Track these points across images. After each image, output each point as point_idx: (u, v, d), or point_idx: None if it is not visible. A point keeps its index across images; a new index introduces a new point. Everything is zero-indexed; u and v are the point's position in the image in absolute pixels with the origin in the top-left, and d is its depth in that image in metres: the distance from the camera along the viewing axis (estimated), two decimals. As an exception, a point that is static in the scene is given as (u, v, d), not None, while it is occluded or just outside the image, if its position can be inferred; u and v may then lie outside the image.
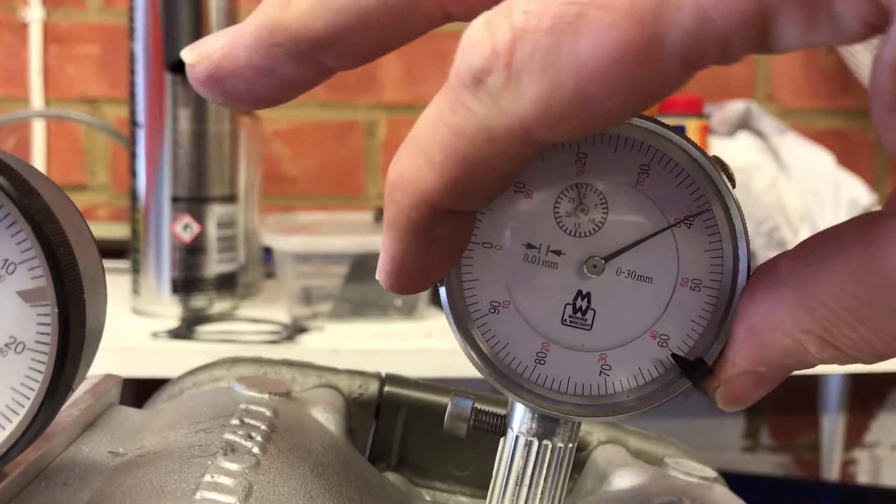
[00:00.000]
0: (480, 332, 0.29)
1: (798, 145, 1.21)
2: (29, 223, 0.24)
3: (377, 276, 0.25)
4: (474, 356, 0.28)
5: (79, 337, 0.25)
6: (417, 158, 0.22)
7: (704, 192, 0.28)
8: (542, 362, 0.29)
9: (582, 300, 0.29)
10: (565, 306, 0.29)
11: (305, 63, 0.25)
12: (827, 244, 0.24)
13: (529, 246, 0.28)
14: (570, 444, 0.31)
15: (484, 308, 0.28)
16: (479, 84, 0.20)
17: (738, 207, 0.28)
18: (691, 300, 0.28)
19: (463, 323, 0.28)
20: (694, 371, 0.28)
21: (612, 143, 0.28)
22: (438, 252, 0.24)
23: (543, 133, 0.21)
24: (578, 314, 0.29)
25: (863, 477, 1.48)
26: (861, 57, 1.28)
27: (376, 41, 0.24)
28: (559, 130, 0.21)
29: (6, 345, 0.26)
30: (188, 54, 0.25)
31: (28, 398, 0.25)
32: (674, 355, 0.28)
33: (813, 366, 0.25)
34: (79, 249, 0.26)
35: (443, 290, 0.28)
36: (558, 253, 0.28)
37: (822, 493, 1.38)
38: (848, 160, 1.27)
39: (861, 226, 0.23)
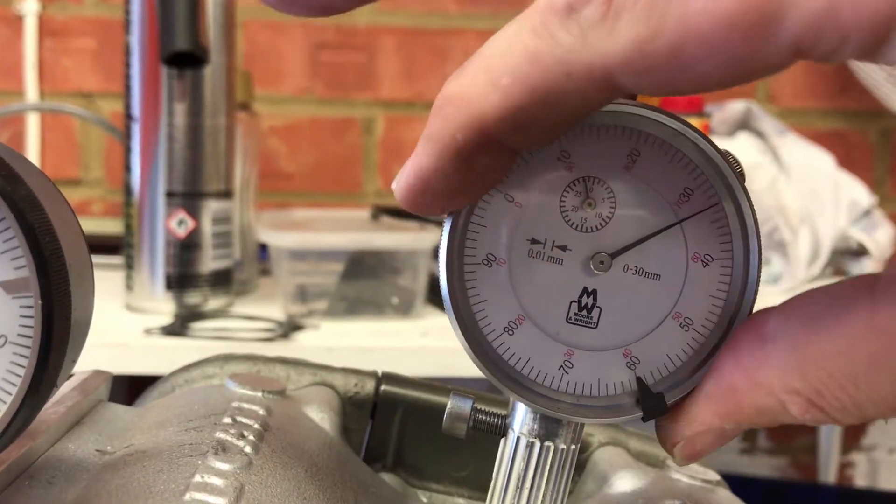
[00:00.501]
0: (474, 311, 0.27)
1: (798, 146, 1.21)
2: (12, 210, 0.23)
3: (393, 186, 0.24)
4: (476, 357, 0.27)
5: (63, 330, 0.24)
6: (481, 77, 0.21)
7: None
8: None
9: (588, 297, 0.28)
10: (570, 304, 0.28)
11: None
12: (822, 303, 0.23)
13: (534, 241, 0.27)
14: (573, 446, 0.30)
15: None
16: (572, 13, 0.19)
17: (750, 203, 0.27)
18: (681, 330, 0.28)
19: (463, 316, 0.27)
20: (649, 405, 0.27)
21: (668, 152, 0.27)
22: (469, 181, 0.23)
23: (626, 80, 0.19)
24: (584, 312, 0.28)
25: (860, 480, 1.48)
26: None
27: None
28: (643, 81, 0.19)
29: (-13, 338, 0.24)
30: None
31: (10, 394, 0.24)
32: (638, 380, 0.27)
33: (782, 424, 0.24)
34: (65, 239, 0.25)
35: (443, 271, 0.27)
36: (564, 248, 0.27)
37: (819, 495, 1.37)
38: (848, 161, 1.26)
39: (863, 286, 0.22)
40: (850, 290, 0.23)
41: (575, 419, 0.28)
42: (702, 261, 0.27)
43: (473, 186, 0.23)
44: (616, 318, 0.27)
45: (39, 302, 0.23)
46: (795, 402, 0.23)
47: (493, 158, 0.22)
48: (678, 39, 0.18)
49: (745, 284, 0.27)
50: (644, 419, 0.28)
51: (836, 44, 0.18)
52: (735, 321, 0.27)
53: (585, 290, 0.27)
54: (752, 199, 0.27)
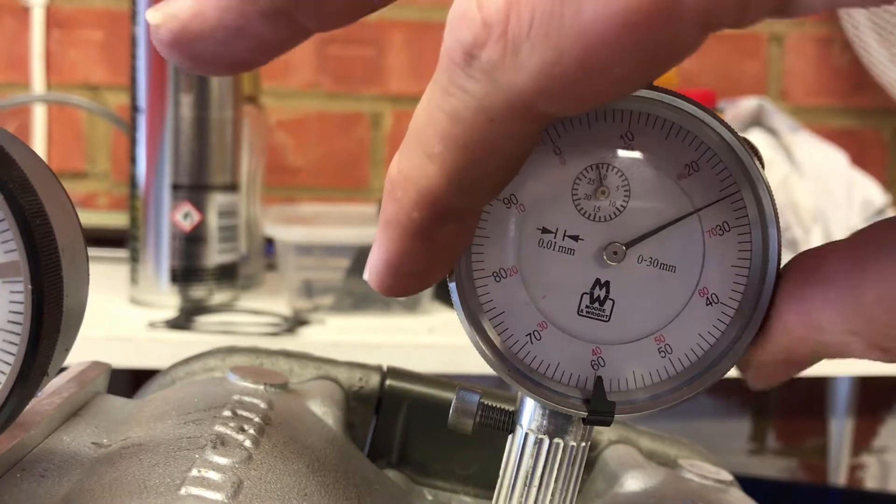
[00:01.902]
0: (493, 324, 0.27)
1: (811, 144, 1.19)
2: (2, 192, 0.22)
3: (365, 276, 0.23)
4: (485, 349, 0.26)
5: (55, 316, 0.23)
6: (416, 153, 0.20)
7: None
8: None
9: (600, 289, 0.26)
10: (582, 296, 0.27)
11: (281, 22, 0.23)
12: (880, 241, 0.23)
13: (545, 230, 0.26)
14: (584, 444, 0.29)
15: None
16: (472, 60, 0.19)
17: (770, 192, 0.26)
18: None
19: (475, 317, 0.26)
20: (597, 409, 0.27)
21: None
22: (438, 255, 0.23)
23: (546, 106, 0.19)
24: (596, 304, 0.27)
25: (871, 482, 1.46)
26: (877, 55, 1.25)
27: None
28: (563, 103, 0.19)
29: (-25, 324, 0.23)
30: (152, 15, 0.24)
31: (-1, 382, 0.23)
32: (597, 380, 0.27)
33: (848, 357, 0.24)
34: (58, 223, 0.24)
35: (452, 286, 0.26)
36: (576, 238, 0.26)
37: (827, 497, 1.36)
38: (861, 160, 1.24)
39: None
40: None
41: (561, 409, 0.27)
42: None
43: (441, 259, 0.23)
44: (633, 309, 0.26)
45: (30, 287, 0.22)
46: (857, 342, 0.23)
47: (454, 225, 0.22)
48: (582, 53, 0.18)
49: (767, 246, 0.26)
50: (584, 423, 0.28)
51: (740, 9, 0.18)
52: (764, 284, 0.26)
53: (598, 281, 0.26)
54: (771, 189, 0.26)
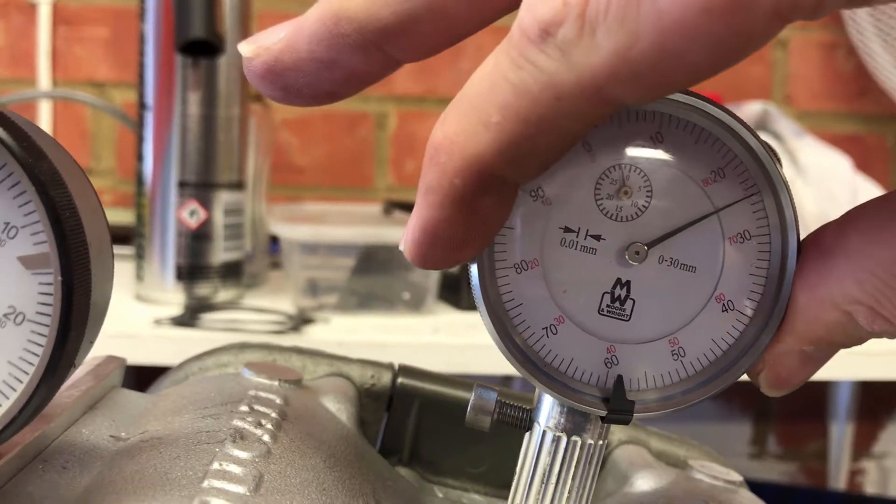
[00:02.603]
0: (510, 316, 0.27)
1: (815, 148, 1.19)
2: (34, 184, 0.22)
3: (401, 247, 0.23)
4: (503, 345, 0.27)
5: (83, 309, 0.24)
6: (470, 119, 0.20)
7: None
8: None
9: (621, 289, 0.27)
10: (603, 295, 0.27)
11: (372, 54, 0.23)
12: (878, 212, 0.24)
13: (567, 230, 0.26)
14: (601, 442, 0.29)
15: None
16: (548, 37, 0.19)
17: (791, 198, 0.26)
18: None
19: (494, 310, 0.26)
20: (617, 407, 0.27)
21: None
22: (477, 226, 0.22)
23: (617, 91, 0.19)
24: (617, 304, 0.27)
25: (870, 487, 1.46)
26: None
27: (445, 29, 0.23)
28: (635, 88, 0.19)
29: (5, 315, 0.24)
30: (246, 48, 0.24)
31: (27, 373, 0.24)
32: (618, 378, 0.27)
33: (863, 341, 0.25)
34: (86, 217, 0.24)
35: (474, 269, 0.26)
36: (598, 238, 0.26)
37: (827, 501, 1.36)
38: (865, 165, 1.25)
39: None
40: None
41: (577, 406, 0.27)
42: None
43: (480, 231, 0.23)
44: (652, 309, 0.27)
45: (59, 278, 0.23)
46: (860, 312, 0.24)
47: (495, 197, 0.22)
48: (659, 37, 0.18)
49: (786, 253, 0.26)
50: (603, 421, 0.28)
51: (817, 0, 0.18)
52: (781, 292, 0.26)
53: (619, 281, 0.27)
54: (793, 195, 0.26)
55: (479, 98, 0.20)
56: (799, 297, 0.25)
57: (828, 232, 0.25)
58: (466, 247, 0.23)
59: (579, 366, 0.27)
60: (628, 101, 0.20)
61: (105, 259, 0.26)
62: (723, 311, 0.27)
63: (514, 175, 0.21)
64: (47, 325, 0.23)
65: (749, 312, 0.27)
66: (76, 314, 0.23)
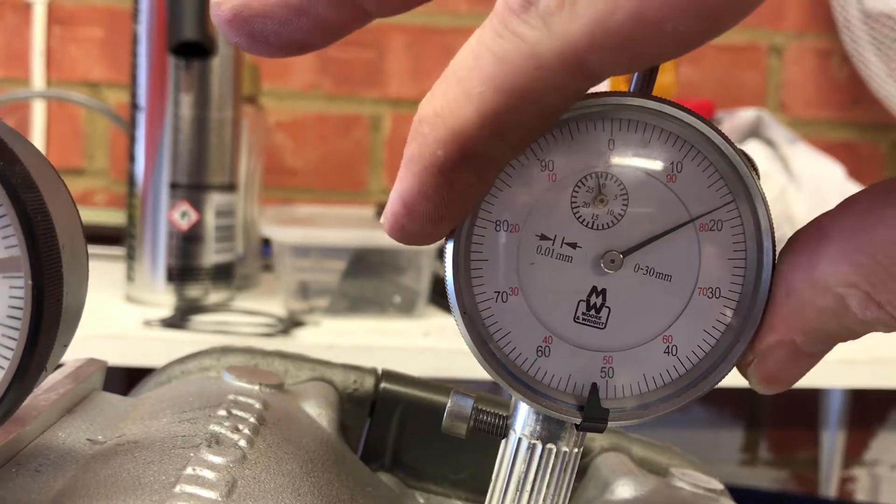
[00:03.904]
0: (500, 345, 0.27)
1: (808, 156, 1.20)
2: (5, 188, 0.22)
3: (381, 220, 0.23)
4: (479, 352, 0.26)
5: (54, 313, 0.23)
6: (454, 90, 0.21)
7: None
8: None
9: (597, 297, 0.27)
10: (578, 303, 0.27)
11: (343, 4, 0.23)
12: (876, 197, 0.23)
13: (543, 237, 0.26)
14: (576, 450, 0.29)
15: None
16: (530, 7, 0.19)
17: (766, 204, 0.26)
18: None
19: (471, 318, 0.26)
20: (591, 415, 0.27)
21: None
22: (453, 199, 0.22)
23: (597, 60, 0.19)
24: (592, 312, 0.27)
25: (861, 495, 1.47)
26: (875, 69, 1.26)
27: None
28: (615, 58, 0.19)
29: (-25, 319, 0.24)
30: None
31: (-3, 377, 0.24)
32: (592, 387, 0.27)
33: (855, 332, 0.24)
34: (59, 221, 0.24)
35: (450, 245, 0.26)
36: (574, 246, 0.26)
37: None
38: (858, 173, 1.25)
39: None
40: None
41: (550, 413, 0.27)
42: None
43: (457, 206, 0.23)
44: (631, 316, 0.27)
45: (30, 282, 0.23)
46: (853, 295, 0.23)
47: (473, 173, 0.22)
48: (637, 5, 0.18)
49: (760, 238, 0.26)
50: (578, 428, 0.28)
51: None
52: (762, 273, 0.26)
53: (595, 289, 0.27)
54: (767, 202, 0.26)
55: (463, 70, 0.20)
56: (792, 279, 0.25)
57: (823, 218, 0.24)
58: (442, 221, 0.23)
59: (578, 381, 0.27)
60: (608, 72, 0.20)
61: (79, 263, 0.26)
62: (709, 299, 0.27)
63: (495, 149, 0.21)
64: (17, 329, 0.23)
65: (735, 297, 0.26)
66: (47, 318, 0.23)
